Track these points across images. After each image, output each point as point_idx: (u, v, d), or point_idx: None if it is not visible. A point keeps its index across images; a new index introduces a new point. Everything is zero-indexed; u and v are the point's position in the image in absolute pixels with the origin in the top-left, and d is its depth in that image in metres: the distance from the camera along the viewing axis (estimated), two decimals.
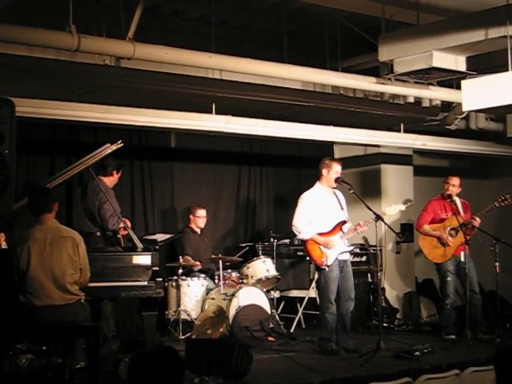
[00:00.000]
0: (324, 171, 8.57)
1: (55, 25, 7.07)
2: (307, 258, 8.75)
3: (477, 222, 9.52)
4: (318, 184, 8.66)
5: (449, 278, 9.63)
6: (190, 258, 9.74)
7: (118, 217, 8.22)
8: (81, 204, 8.59)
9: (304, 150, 12.04)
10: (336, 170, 8.55)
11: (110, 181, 8.44)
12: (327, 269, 8.35)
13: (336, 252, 8.40)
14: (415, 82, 9.23)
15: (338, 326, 8.51)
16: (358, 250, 10.42)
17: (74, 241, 6.71)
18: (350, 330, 8.72)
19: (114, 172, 8.52)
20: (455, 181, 9.77)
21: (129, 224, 8.38)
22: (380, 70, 9.30)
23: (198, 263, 9.85)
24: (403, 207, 8.91)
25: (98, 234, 8.31)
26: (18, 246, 6.57)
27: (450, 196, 9.60)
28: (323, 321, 8.50)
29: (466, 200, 9.96)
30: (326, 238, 8.39)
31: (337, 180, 8.51)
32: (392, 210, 8.65)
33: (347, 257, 8.67)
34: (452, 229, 9.60)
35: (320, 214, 8.49)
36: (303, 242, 8.65)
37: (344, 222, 8.53)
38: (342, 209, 8.64)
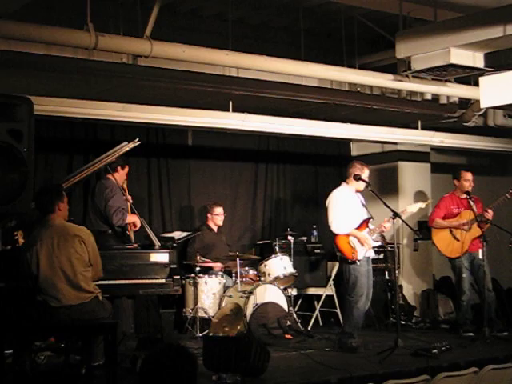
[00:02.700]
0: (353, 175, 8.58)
1: (73, 23, 7.10)
2: (338, 254, 8.69)
3: (489, 214, 9.49)
4: (344, 184, 8.68)
5: (464, 275, 9.61)
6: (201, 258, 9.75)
7: (122, 213, 8.26)
8: (91, 204, 8.66)
9: (321, 147, 12.02)
10: (366, 175, 8.57)
11: (117, 178, 8.46)
12: (358, 263, 8.36)
13: (365, 247, 8.42)
14: (433, 79, 9.21)
15: None
16: (375, 248, 10.42)
17: (80, 238, 6.63)
18: (367, 327, 8.72)
19: (119, 168, 8.54)
20: (469, 176, 9.77)
21: (138, 223, 8.42)
22: (397, 67, 9.28)
23: (218, 264, 9.87)
24: (423, 205, 8.92)
25: (110, 231, 8.35)
26: (27, 251, 6.55)
27: (468, 193, 9.57)
28: (349, 315, 8.51)
29: (479, 196, 9.92)
30: (364, 235, 8.42)
31: (354, 177, 8.50)
32: (413, 207, 8.74)
33: (372, 254, 8.70)
34: (469, 221, 9.57)
35: (350, 210, 8.50)
36: (333, 238, 8.60)
37: (369, 219, 8.55)
38: (365, 207, 8.64)
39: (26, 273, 6.51)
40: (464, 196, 9.66)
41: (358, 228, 8.50)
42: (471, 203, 9.54)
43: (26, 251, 6.54)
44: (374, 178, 11.24)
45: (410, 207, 8.79)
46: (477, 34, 7.72)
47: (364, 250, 8.43)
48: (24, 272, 6.54)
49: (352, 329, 8.45)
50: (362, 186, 8.59)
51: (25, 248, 6.63)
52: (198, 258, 9.38)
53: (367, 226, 8.52)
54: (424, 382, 5.86)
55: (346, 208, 8.51)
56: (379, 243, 8.75)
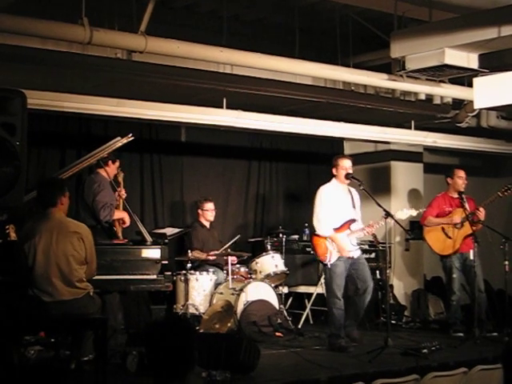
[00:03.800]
0: (334, 170, 8.58)
1: (67, 17, 7.08)
2: (311, 253, 8.72)
3: (481, 212, 9.52)
4: (334, 180, 8.66)
5: (454, 275, 9.64)
6: (199, 252, 9.75)
7: (110, 209, 8.24)
8: (81, 199, 8.63)
9: (314, 145, 12.03)
10: (344, 165, 8.54)
11: (108, 172, 8.42)
12: (329, 265, 8.35)
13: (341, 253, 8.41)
14: (427, 79, 9.22)
15: (350, 313, 8.58)
16: (367, 247, 10.42)
17: (79, 235, 6.63)
18: (357, 326, 8.74)
19: (110, 162, 8.49)
20: (462, 173, 9.85)
21: (126, 220, 8.41)
22: (391, 67, 9.29)
23: (211, 254, 9.85)
24: (415, 213, 8.85)
25: (98, 226, 8.33)
26: (25, 242, 6.53)
27: (460, 193, 9.59)
28: (331, 316, 8.50)
29: (472, 196, 9.94)
30: (343, 245, 8.37)
31: (346, 176, 8.50)
32: (403, 214, 8.68)
33: (356, 254, 8.63)
34: (462, 218, 9.57)
35: (333, 209, 8.48)
36: (310, 237, 8.63)
37: (353, 221, 8.52)
38: (354, 207, 8.62)
39: (22, 265, 6.47)
40: (457, 196, 9.68)
41: (340, 228, 8.47)
42: (463, 201, 9.56)
43: (24, 243, 6.50)
44: (367, 178, 11.26)
45: (399, 213, 8.67)
46: (471, 35, 7.73)
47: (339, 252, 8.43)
48: (17, 265, 6.51)
49: (337, 329, 8.45)
50: (344, 179, 8.53)
51: (22, 239, 6.58)
52: (190, 254, 9.37)
53: (349, 228, 8.50)
54: (413, 381, 5.88)
55: (328, 206, 8.49)
56: (357, 247, 8.68)
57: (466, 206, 9.51)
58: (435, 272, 11.73)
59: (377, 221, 8.42)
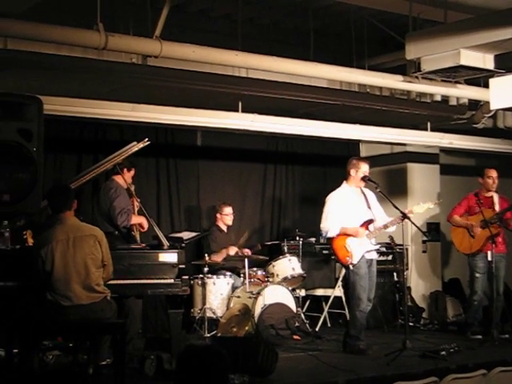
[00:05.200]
0: (352, 171, 8.53)
1: (83, 23, 7.11)
2: (333, 257, 8.72)
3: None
4: (344, 184, 8.62)
5: (477, 275, 9.59)
6: (217, 255, 9.75)
7: (127, 214, 8.25)
8: (97, 206, 8.65)
9: (330, 148, 12.02)
10: (364, 169, 8.51)
11: (123, 179, 8.42)
12: (351, 267, 8.32)
13: (362, 250, 8.36)
14: (442, 81, 9.19)
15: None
16: (384, 249, 10.39)
17: (95, 238, 6.63)
18: (375, 328, 8.73)
19: (125, 170, 8.48)
20: (492, 173, 9.82)
21: (145, 225, 8.42)
22: (407, 69, 9.28)
23: (234, 248, 9.85)
24: (431, 205, 8.77)
25: (116, 233, 8.34)
26: (42, 247, 6.54)
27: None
28: (353, 318, 8.48)
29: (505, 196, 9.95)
30: (355, 227, 8.36)
31: (363, 178, 8.48)
32: (420, 208, 8.60)
33: (374, 256, 8.61)
34: (482, 221, 9.52)
35: (346, 214, 8.44)
36: (329, 241, 8.61)
37: (370, 221, 8.49)
38: (370, 208, 8.58)
39: (39, 270, 6.48)
40: (489, 194, 9.68)
41: None
42: (495, 203, 9.57)
43: (40, 248, 6.49)
44: (383, 180, 11.23)
45: (416, 207, 8.62)
46: (487, 36, 7.70)
47: (361, 253, 8.38)
48: (35, 270, 6.53)
49: (357, 332, 8.42)
50: (360, 182, 8.54)
51: (39, 246, 6.59)
52: (207, 258, 9.37)
53: (367, 229, 8.48)
54: (432, 383, 5.85)
55: (338, 210, 8.45)
56: (377, 247, 8.66)
57: (497, 207, 9.52)
58: (453, 274, 11.70)
59: (395, 219, 8.37)
